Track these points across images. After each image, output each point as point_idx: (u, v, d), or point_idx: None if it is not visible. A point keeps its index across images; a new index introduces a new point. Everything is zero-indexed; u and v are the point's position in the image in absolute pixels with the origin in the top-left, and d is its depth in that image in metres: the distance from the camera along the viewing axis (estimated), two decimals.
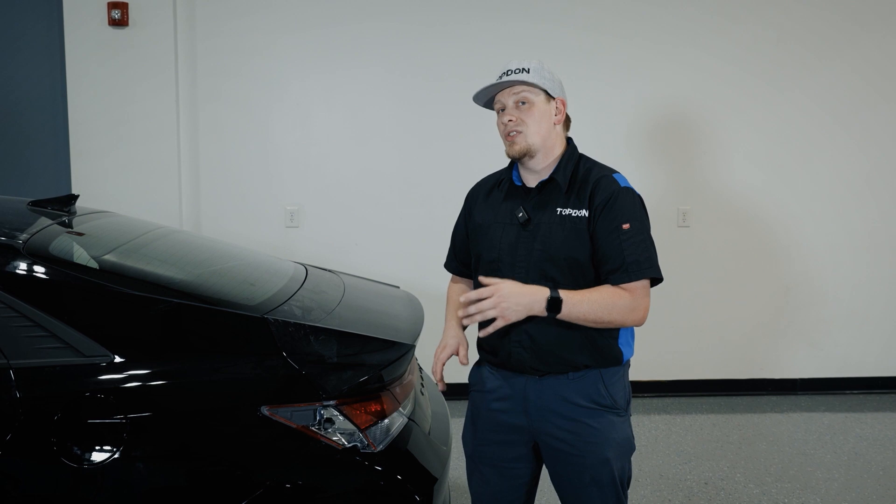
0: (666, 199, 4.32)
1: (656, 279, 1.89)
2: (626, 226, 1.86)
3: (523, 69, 1.94)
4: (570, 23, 4.20)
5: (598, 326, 1.86)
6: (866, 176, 4.41)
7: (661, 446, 3.77)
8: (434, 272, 4.07)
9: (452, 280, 2.24)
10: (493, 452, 2.02)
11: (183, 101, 4.11)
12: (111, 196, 3.94)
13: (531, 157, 1.94)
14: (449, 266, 2.23)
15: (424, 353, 2.53)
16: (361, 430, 1.87)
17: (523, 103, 1.94)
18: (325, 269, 2.81)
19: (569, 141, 2.03)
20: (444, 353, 2.01)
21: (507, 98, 1.96)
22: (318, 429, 1.84)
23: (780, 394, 4.51)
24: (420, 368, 2.57)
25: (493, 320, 1.83)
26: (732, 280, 4.42)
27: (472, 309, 1.82)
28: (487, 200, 2.05)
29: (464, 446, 2.12)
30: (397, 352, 2.02)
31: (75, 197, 2.67)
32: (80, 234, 2.38)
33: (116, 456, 1.74)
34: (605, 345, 1.93)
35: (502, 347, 1.95)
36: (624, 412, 1.97)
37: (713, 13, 4.24)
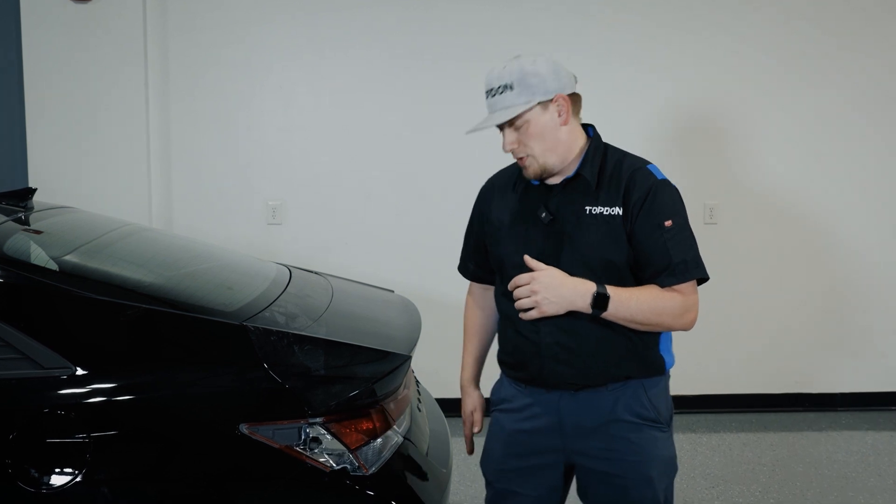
0: (691, 194, 4.24)
1: (703, 278, 1.91)
2: (668, 223, 1.88)
3: (505, 86, 1.87)
4: (586, 6, 4.19)
5: (645, 329, 1.88)
6: None
7: (686, 468, 3.77)
8: (433, 275, 4.10)
9: (471, 294, 2.23)
10: (526, 481, 1.99)
11: (152, 84, 4.10)
12: (72, 190, 3.94)
13: (550, 173, 1.93)
14: (464, 270, 2.21)
15: (421, 365, 2.53)
16: (351, 451, 1.87)
17: (518, 126, 1.89)
18: (311, 271, 2.82)
19: (590, 130, 2.00)
20: (473, 426, 2.19)
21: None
22: (304, 449, 1.84)
23: (818, 410, 4.51)
24: (417, 382, 2.57)
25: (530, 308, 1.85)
26: (764, 283, 4.42)
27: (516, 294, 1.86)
28: (504, 198, 2.04)
29: (484, 472, 2.09)
30: (391, 363, 2.02)
31: (32, 191, 2.67)
32: (38, 233, 2.38)
33: (79, 479, 1.74)
34: (648, 352, 1.94)
35: (532, 362, 1.93)
36: (667, 427, 1.98)
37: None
